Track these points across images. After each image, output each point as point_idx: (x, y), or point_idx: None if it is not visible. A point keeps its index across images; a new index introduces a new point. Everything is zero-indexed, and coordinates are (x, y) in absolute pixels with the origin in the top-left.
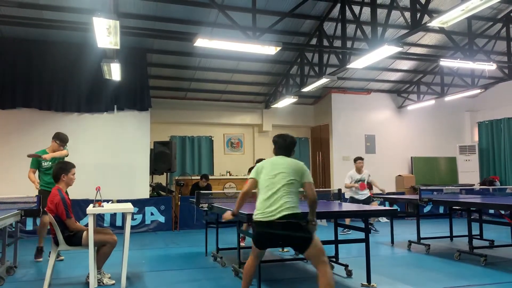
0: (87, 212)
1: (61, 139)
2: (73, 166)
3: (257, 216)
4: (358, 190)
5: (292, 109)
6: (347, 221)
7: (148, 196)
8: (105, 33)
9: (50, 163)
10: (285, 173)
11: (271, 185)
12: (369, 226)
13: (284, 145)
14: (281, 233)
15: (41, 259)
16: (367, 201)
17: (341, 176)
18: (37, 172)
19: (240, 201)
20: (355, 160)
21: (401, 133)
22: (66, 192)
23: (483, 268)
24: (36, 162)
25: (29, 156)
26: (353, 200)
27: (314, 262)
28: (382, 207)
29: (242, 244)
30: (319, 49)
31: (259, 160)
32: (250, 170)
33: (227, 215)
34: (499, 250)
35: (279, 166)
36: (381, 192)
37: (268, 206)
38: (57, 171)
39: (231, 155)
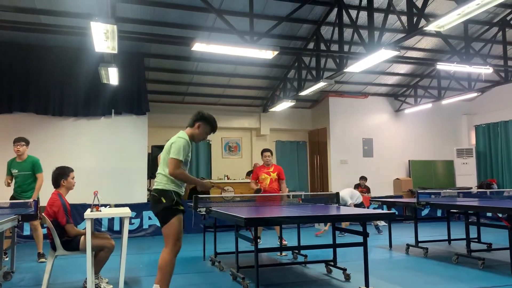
0: (84, 217)
1: (14, 141)
2: (71, 170)
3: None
4: None
5: (289, 113)
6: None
7: (146, 201)
8: (102, 38)
9: (17, 170)
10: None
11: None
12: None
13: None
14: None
15: (45, 260)
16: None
17: (339, 180)
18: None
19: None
20: None
21: (399, 136)
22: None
23: (481, 271)
24: (9, 170)
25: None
26: None
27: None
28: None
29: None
30: (317, 53)
31: (256, 165)
32: (248, 173)
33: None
34: (497, 253)
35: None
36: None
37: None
38: (56, 177)
39: (229, 159)
